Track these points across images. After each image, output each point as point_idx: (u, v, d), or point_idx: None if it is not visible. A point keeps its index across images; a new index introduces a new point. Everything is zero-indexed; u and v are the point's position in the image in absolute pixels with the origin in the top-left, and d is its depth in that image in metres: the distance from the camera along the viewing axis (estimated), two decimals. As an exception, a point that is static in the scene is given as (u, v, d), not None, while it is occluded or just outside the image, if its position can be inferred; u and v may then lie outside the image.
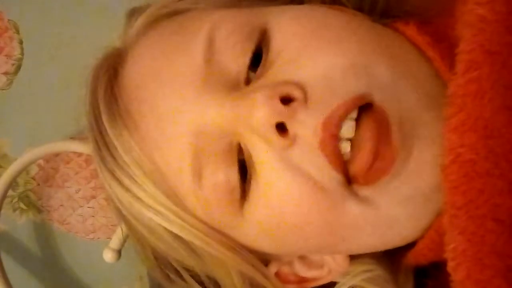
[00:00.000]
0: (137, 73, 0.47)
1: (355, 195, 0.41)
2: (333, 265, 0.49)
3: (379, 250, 0.47)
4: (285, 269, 0.50)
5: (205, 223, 0.46)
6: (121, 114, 0.46)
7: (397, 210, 0.42)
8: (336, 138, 0.40)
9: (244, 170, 0.43)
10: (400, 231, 0.44)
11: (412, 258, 0.47)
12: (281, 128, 0.40)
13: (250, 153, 0.43)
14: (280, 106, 0.40)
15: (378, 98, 0.40)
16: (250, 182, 0.43)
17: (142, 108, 0.45)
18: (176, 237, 0.46)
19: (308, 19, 0.44)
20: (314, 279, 0.50)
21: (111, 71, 0.49)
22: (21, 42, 0.74)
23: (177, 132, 0.44)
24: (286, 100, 0.40)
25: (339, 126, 0.40)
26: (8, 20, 0.74)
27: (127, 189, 0.46)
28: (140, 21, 0.50)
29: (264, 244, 0.47)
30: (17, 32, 0.74)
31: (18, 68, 0.75)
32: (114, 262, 0.71)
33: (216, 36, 0.44)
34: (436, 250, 0.43)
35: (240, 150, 0.43)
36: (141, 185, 0.45)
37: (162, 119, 0.44)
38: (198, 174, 0.43)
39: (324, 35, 0.42)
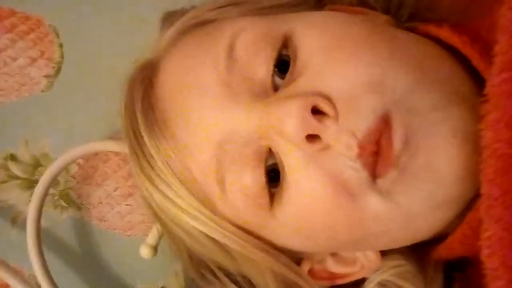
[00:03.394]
0: (168, 84, 0.48)
1: (378, 190, 0.42)
2: (365, 262, 0.50)
3: (408, 244, 0.48)
4: (317, 267, 0.51)
5: (237, 226, 0.47)
6: (158, 123, 0.47)
7: (418, 204, 0.43)
8: (374, 154, 0.41)
9: (275, 172, 0.44)
10: (424, 224, 0.45)
11: (443, 252, 0.48)
12: (313, 135, 0.42)
13: (280, 156, 0.44)
14: (312, 120, 0.41)
15: (393, 113, 0.41)
16: (281, 184, 0.44)
17: (176, 118, 0.47)
18: (211, 239, 0.48)
19: (332, 28, 0.45)
20: (346, 275, 0.51)
21: (146, 81, 0.50)
22: (61, 46, 0.75)
23: (205, 140, 0.45)
24: (317, 112, 0.41)
25: (375, 144, 0.41)
26: (49, 25, 0.75)
27: (165, 196, 0.48)
28: (170, 32, 0.51)
29: (296, 243, 0.48)
30: (57, 36, 0.75)
31: (58, 71, 0.76)
32: (150, 258, 0.72)
33: (237, 44, 0.45)
34: (467, 244, 0.44)
35: (270, 154, 0.44)
36: (177, 192, 0.47)
37: (193, 128, 0.46)
38: (221, 179, 0.45)
39: (345, 46, 0.43)
